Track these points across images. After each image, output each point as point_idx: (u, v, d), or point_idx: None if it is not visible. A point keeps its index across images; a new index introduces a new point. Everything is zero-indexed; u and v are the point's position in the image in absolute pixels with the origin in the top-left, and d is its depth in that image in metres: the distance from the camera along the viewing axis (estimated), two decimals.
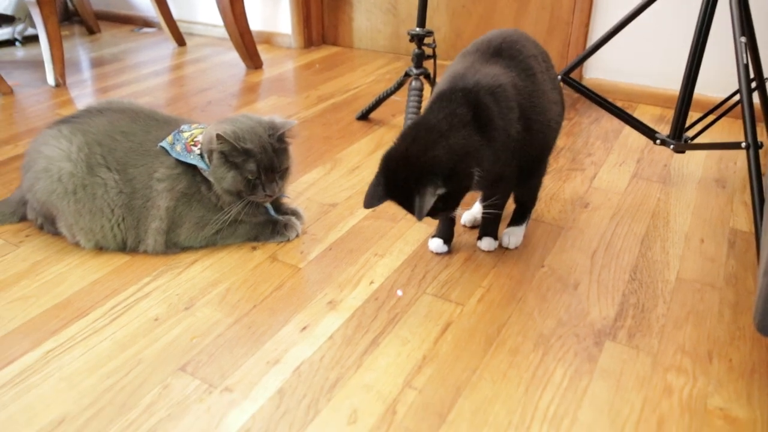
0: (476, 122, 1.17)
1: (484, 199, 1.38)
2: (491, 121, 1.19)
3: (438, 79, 1.44)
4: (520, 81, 1.26)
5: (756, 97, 1.83)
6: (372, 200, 1.20)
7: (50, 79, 2.52)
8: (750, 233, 1.52)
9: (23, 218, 1.52)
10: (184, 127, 1.42)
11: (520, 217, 1.47)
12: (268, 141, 1.35)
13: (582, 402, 1.03)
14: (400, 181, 1.16)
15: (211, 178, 1.36)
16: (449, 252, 1.43)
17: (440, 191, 1.13)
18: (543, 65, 1.35)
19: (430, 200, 1.12)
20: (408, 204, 1.16)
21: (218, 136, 1.30)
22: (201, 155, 1.36)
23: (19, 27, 3.16)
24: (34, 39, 3.10)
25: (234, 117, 1.40)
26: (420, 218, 1.12)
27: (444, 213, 1.22)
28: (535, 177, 1.42)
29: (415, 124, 1.19)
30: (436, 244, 1.43)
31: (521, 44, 1.32)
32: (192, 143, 1.37)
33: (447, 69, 1.35)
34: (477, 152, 1.17)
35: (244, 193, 1.37)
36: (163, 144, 1.37)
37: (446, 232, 1.43)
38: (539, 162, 1.38)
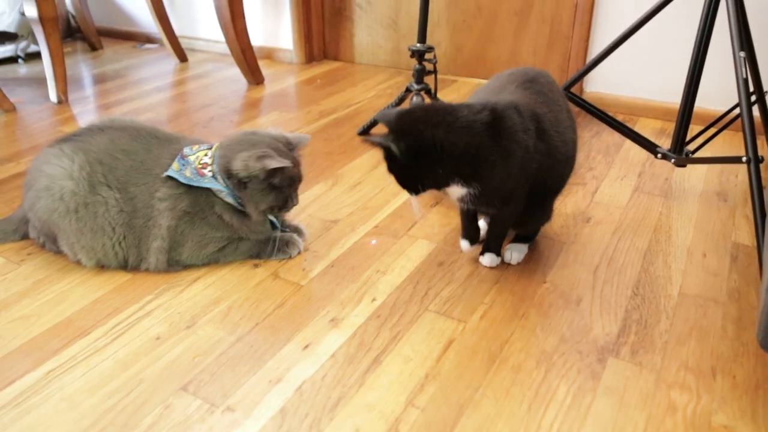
0: (493, 128, 1.19)
1: (489, 219, 1.38)
2: (512, 131, 1.20)
3: (439, 95, 1.45)
4: (546, 109, 1.30)
5: (756, 111, 1.83)
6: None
7: (53, 96, 2.54)
8: (752, 247, 1.51)
9: (25, 236, 1.52)
10: (185, 150, 1.41)
11: (524, 237, 1.48)
12: (290, 154, 1.38)
13: (585, 420, 1.02)
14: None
15: (231, 200, 1.37)
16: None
17: (395, 148, 1.17)
18: (566, 105, 1.39)
19: (383, 144, 1.17)
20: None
21: (274, 170, 1.32)
22: (214, 176, 1.36)
23: (22, 44, 3.19)
24: (36, 56, 3.12)
25: (244, 136, 1.40)
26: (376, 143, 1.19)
27: (420, 184, 1.24)
28: (541, 214, 1.43)
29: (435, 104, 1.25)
30: (465, 245, 1.43)
31: (551, 81, 1.39)
32: (200, 166, 1.36)
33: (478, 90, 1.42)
34: (477, 150, 1.19)
35: (277, 209, 1.39)
36: (170, 173, 1.36)
37: (469, 233, 1.43)
38: (548, 196, 1.38)
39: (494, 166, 1.20)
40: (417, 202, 1.49)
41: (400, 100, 2.09)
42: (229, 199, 1.37)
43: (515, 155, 1.21)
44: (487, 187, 1.22)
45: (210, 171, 1.36)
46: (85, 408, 1.04)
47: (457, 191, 1.25)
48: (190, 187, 1.37)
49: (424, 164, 1.19)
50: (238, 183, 1.34)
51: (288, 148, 1.40)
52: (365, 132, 2.21)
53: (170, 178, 1.37)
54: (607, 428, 1.01)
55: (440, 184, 1.23)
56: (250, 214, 1.38)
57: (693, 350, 1.18)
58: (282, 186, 1.36)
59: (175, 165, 1.37)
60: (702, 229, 1.60)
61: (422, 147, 1.17)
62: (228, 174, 1.35)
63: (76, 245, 1.38)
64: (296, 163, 1.39)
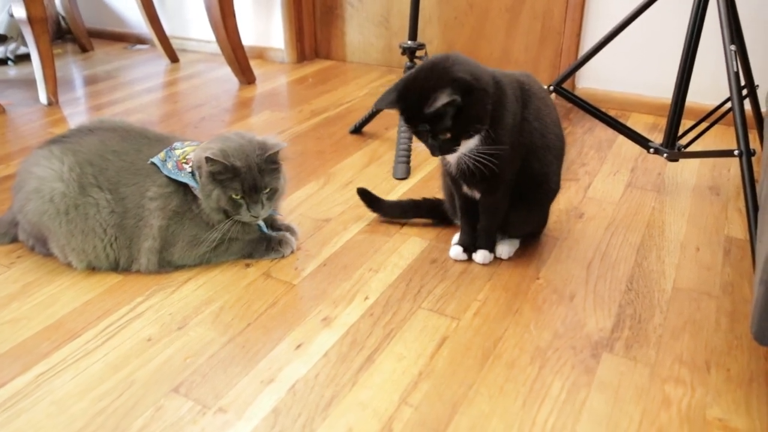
0: (498, 84, 1.23)
1: (480, 209, 1.38)
2: (507, 93, 1.25)
3: None
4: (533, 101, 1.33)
5: (747, 104, 1.83)
6: (381, 102, 1.23)
7: (42, 98, 2.52)
8: (745, 240, 1.51)
9: (15, 239, 1.51)
10: (176, 144, 1.42)
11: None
12: (255, 161, 1.34)
13: (580, 415, 1.02)
14: (418, 85, 1.18)
15: (200, 196, 1.35)
16: (469, 260, 1.43)
17: (456, 99, 1.14)
18: (554, 108, 1.41)
19: (443, 100, 1.12)
20: (417, 108, 1.17)
21: (207, 159, 1.29)
22: (192, 173, 1.35)
23: (11, 46, 3.16)
24: (26, 58, 3.10)
25: (226, 135, 1.39)
26: (428, 122, 1.16)
27: (445, 146, 1.21)
28: (528, 215, 1.42)
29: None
30: (456, 252, 1.43)
31: (538, 83, 1.39)
32: (183, 161, 1.36)
33: None
34: (493, 104, 1.22)
35: (229, 212, 1.36)
36: (155, 160, 1.37)
37: (467, 240, 1.43)
38: (536, 190, 1.38)
39: (500, 112, 1.23)
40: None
41: None
42: (199, 195, 1.36)
43: (509, 113, 1.25)
44: (495, 136, 1.23)
45: (190, 167, 1.35)
46: (75, 411, 1.03)
47: (469, 144, 1.23)
48: (179, 186, 1.36)
49: (471, 107, 1.18)
50: (199, 177, 1.35)
51: (257, 153, 1.34)
52: (357, 130, 2.20)
53: (157, 171, 1.36)
54: (602, 423, 1.00)
55: (476, 130, 1.21)
56: (203, 208, 1.36)
57: (687, 344, 1.18)
58: (226, 185, 1.32)
59: (162, 155, 1.38)
60: (695, 223, 1.60)
61: (468, 87, 1.17)
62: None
63: (66, 247, 1.37)
64: (258, 170, 1.34)
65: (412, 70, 1.23)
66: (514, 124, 1.27)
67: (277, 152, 1.37)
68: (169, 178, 1.36)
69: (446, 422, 1.00)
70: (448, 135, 1.20)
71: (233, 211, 1.36)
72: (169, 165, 1.36)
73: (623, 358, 1.14)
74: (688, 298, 1.31)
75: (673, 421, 1.01)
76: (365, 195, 1.59)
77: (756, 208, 1.39)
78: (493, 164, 1.26)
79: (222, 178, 1.32)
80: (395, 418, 1.01)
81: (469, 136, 1.22)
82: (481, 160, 1.24)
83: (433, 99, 1.14)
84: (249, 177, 1.33)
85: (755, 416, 1.02)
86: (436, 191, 1.75)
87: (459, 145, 1.22)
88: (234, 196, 1.33)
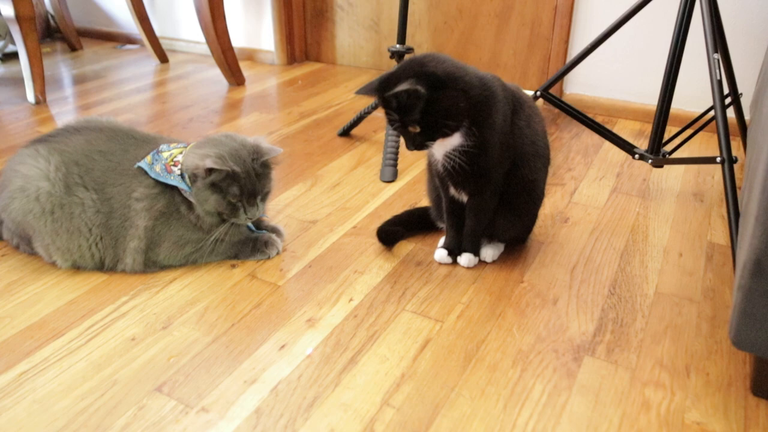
0: (485, 84, 1.25)
1: (467, 211, 1.39)
2: (497, 93, 1.26)
3: None
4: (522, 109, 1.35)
5: (731, 112, 1.86)
6: (362, 89, 1.26)
7: (30, 97, 2.51)
8: (727, 246, 1.53)
9: None
10: (162, 146, 1.41)
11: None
12: (251, 165, 1.34)
13: (560, 418, 1.03)
14: (394, 75, 1.21)
15: (192, 200, 1.35)
16: (454, 263, 1.44)
17: (418, 90, 1.16)
18: (540, 116, 1.43)
19: (403, 87, 1.16)
20: (387, 102, 1.20)
21: (210, 170, 1.30)
22: (181, 175, 1.35)
23: None
24: (14, 56, 3.09)
25: (217, 138, 1.39)
26: (397, 112, 1.19)
27: (417, 140, 1.24)
28: (515, 219, 1.43)
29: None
30: (441, 255, 1.44)
31: (528, 96, 1.42)
32: (172, 163, 1.36)
33: None
34: (477, 104, 1.23)
35: (225, 215, 1.36)
36: (141, 164, 1.37)
37: (452, 243, 1.44)
38: (522, 194, 1.39)
39: (488, 113, 1.24)
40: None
41: None
42: (192, 199, 1.36)
43: (499, 114, 1.26)
44: (481, 136, 1.24)
45: (179, 169, 1.35)
46: (58, 410, 1.03)
47: (453, 142, 1.25)
48: (166, 187, 1.36)
49: (443, 103, 1.19)
50: (192, 182, 1.34)
51: (253, 157, 1.35)
52: (346, 133, 2.21)
53: (144, 173, 1.36)
54: (582, 426, 1.01)
55: (453, 127, 1.23)
56: (198, 213, 1.37)
57: (668, 348, 1.19)
58: (224, 190, 1.32)
59: (148, 158, 1.37)
60: (678, 229, 1.62)
61: (441, 82, 1.19)
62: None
63: (51, 246, 1.37)
64: (255, 175, 1.35)
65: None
66: (503, 125, 1.28)
67: (274, 157, 1.38)
68: (156, 179, 1.36)
69: (428, 424, 1.01)
70: (417, 129, 1.21)
71: (230, 214, 1.36)
72: (157, 168, 1.36)
73: (604, 362, 1.15)
74: (670, 303, 1.33)
75: (653, 425, 1.02)
76: (386, 236, 1.52)
77: (737, 215, 1.41)
78: (480, 164, 1.27)
79: (222, 184, 1.32)
80: (377, 420, 1.02)
81: (444, 134, 1.23)
82: (465, 159, 1.25)
83: (395, 85, 1.17)
84: (248, 182, 1.33)
85: (733, 420, 1.03)
86: (422, 194, 1.76)
87: (432, 140, 1.24)
88: (232, 200, 1.34)
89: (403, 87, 1.16)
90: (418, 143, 1.25)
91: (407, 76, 1.19)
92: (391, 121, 1.24)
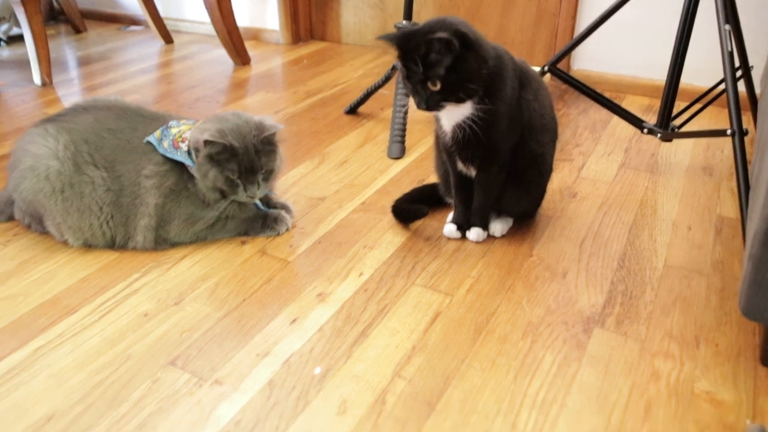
0: (497, 65, 1.24)
1: (475, 186, 1.39)
2: (506, 66, 1.26)
3: None
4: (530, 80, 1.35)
5: (741, 86, 1.84)
6: (385, 36, 1.24)
7: (36, 79, 2.51)
8: (736, 220, 1.53)
9: (11, 218, 1.51)
10: (172, 123, 1.42)
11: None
12: (251, 142, 1.34)
13: (571, 388, 1.04)
14: (422, 29, 1.19)
15: (196, 175, 1.36)
16: (463, 238, 1.45)
17: (453, 42, 1.15)
18: (547, 91, 1.43)
19: (441, 35, 1.14)
20: (414, 45, 1.18)
21: (206, 142, 1.30)
22: (188, 152, 1.35)
23: (4, 27, 3.14)
24: (19, 39, 3.08)
25: (223, 115, 1.39)
26: (423, 64, 1.17)
27: (432, 100, 1.21)
28: (523, 193, 1.43)
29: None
30: (450, 230, 1.45)
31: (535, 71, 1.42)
32: (180, 139, 1.37)
33: None
34: (491, 74, 1.23)
35: (226, 192, 1.37)
36: (150, 139, 1.37)
37: (461, 218, 1.44)
38: (530, 168, 1.39)
39: (498, 84, 1.24)
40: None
41: (387, 78, 2.09)
42: (195, 174, 1.36)
43: (508, 86, 1.26)
44: (491, 107, 1.24)
45: (186, 145, 1.35)
46: (73, 384, 1.04)
47: (464, 111, 1.25)
48: (175, 164, 1.37)
49: (466, 64, 1.19)
50: (195, 156, 1.35)
51: (254, 134, 1.34)
52: (352, 111, 2.20)
53: (153, 150, 1.37)
54: (592, 396, 1.02)
55: (470, 92, 1.22)
56: (200, 188, 1.37)
57: (677, 320, 1.20)
58: (223, 165, 1.32)
59: (158, 133, 1.38)
60: (687, 203, 1.62)
61: (469, 42, 1.18)
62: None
63: (62, 225, 1.38)
64: (254, 151, 1.34)
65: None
66: (512, 98, 1.28)
67: (274, 134, 1.37)
68: (165, 157, 1.37)
69: (439, 394, 1.02)
70: (438, 86, 1.19)
71: (230, 191, 1.36)
72: (165, 144, 1.37)
73: (614, 334, 1.16)
74: (679, 275, 1.33)
75: (662, 394, 1.03)
76: (402, 214, 1.51)
77: (747, 187, 1.41)
78: (489, 137, 1.27)
79: (219, 158, 1.32)
80: (389, 391, 1.03)
81: (460, 98, 1.22)
82: (474, 130, 1.25)
83: (432, 33, 1.15)
84: (246, 158, 1.33)
85: (742, 389, 1.04)
86: (429, 171, 1.76)
87: (448, 101, 1.22)
88: (231, 176, 1.34)
89: (442, 35, 1.14)
90: (433, 102, 1.22)
91: (442, 29, 1.17)
92: (409, 75, 1.21)
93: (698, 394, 1.03)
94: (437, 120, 1.35)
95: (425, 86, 1.20)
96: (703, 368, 1.08)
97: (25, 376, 1.06)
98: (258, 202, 1.46)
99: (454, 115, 1.27)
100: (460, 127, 1.27)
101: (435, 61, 1.17)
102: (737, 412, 1.00)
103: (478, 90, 1.22)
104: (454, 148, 1.34)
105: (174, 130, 1.38)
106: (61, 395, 1.02)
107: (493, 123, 1.26)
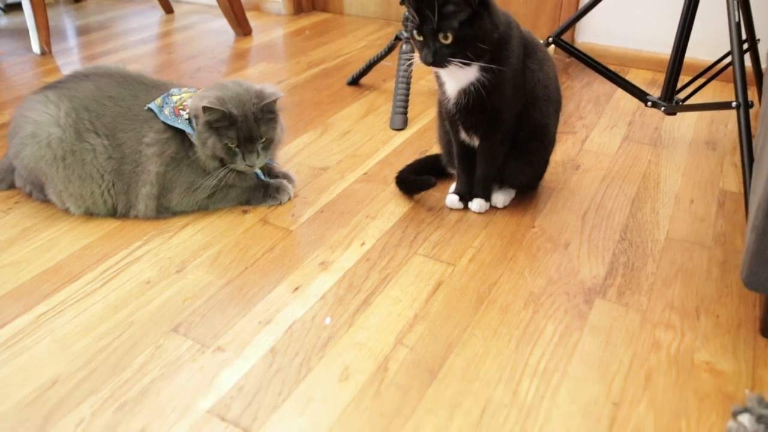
0: (507, 31, 1.24)
1: (478, 156, 1.39)
2: (512, 33, 1.26)
3: None
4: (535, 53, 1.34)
5: (747, 60, 1.82)
6: None
7: (35, 48, 2.48)
8: (739, 193, 1.52)
9: (12, 186, 1.50)
10: (173, 90, 1.41)
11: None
12: (251, 110, 1.33)
13: (572, 357, 1.04)
14: None
15: (195, 143, 1.35)
16: (465, 209, 1.45)
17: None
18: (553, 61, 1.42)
19: (459, 1, 1.14)
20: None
21: (205, 108, 1.29)
22: (189, 120, 1.35)
23: None
24: (17, 6, 3.05)
25: (224, 83, 1.38)
26: (439, 14, 1.14)
27: (440, 54, 1.19)
28: (525, 164, 1.43)
29: None
30: (452, 200, 1.45)
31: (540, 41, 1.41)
32: (180, 107, 1.36)
33: None
34: (500, 40, 1.23)
35: (225, 161, 1.36)
36: (152, 106, 1.36)
37: (463, 189, 1.44)
38: (534, 138, 1.38)
39: (503, 50, 1.23)
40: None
41: (390, 49, 2.07)
42: (195, 142, 1.36)
43: (513, 53, 1.25)
44: (495, 73, 1.23)
45: (186, 113, 1.34)
46: (77, 349, 1.05)
47: (469, 76, 1.24)
48: (176, 132, 1.36)
49: (483, 24, 1.17)
50: (196, 124, 1.35)
51: (253, 102, 1.33)
52: (355, 82, 2.18)
53: (154, 117, 1.36)
54: (593, 365, 1.03)
55: (479, 54, 1.21)
56: (199, 156, 1.37)
57: (678, 292, 1.20)
58: (221, 133, 1.32)
59: (159, 100, 1.37)
60: (690, 176, 1.61)
61: (490, 11, 1.18)
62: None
63: (64, 193, 1.37)
64: (254, 120, 1.33)
65: None
66: (517, 66, 1.27)
67: (274, 101, 1.36)
68: (166, 124, 1.36)
69: (441, 362, 1.03)
70: (450, 39, 1.16)
71: (229, 159, 1.36)
72: (166, 111, 1.36)
73: (615, 304, 1.16)
74: (681, 248, 1.33)
75: (662, 364, 1.03)
76: (409, 184, 1.51)
77: (751, 160, 1.40)
78: (493, 104, 1.26)
79: (218, 126, 1.32)
80: (391, 358, 1.03)
81: (467, 56, 1.19)
82: (478, 96, 1.25)
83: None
84: (245, 126, 1.32)
85: (741, 360, 1.04)
86: (432, 142, 1.75)
87: (456, 57, 1.19)
88: (230, 144, 1.33)
89: None
90: (440, 57, 1.18)
91: None
92: (422, 24, 1.17)
93: (698, 364, 1.04)
94: (441, 86, 1.33)
95: (436, 37, 1.17)
96: (704, 339, 1.09)
97: (29, 341, 1.06)
98: (258, 171, 1.45)
99: (459, 79, 1.25)
100: (464, 92, 1.26)
101: (451, 13, 1.14)
102: (736, 382, 1.00)
103: (486, 53, 1.21)
104: (457, 116, 1.32)
105: (175, 98, 1.37)
106: (65, 360, 1.03)
107: (498, 89, 1.25)
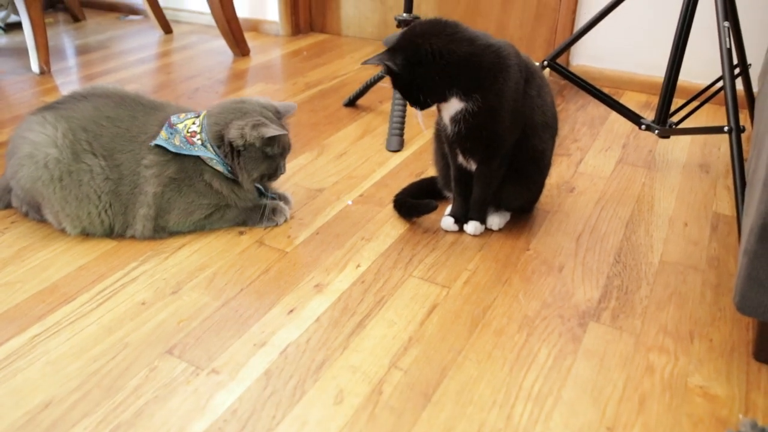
0: (495, 50, 1.26)
1: (474, 179, 1.40)
2: (509, 60, 1.27)
3: None
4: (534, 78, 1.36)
5: (739, 84, 1.84)
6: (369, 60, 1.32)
7: (34, 67, 2.50)
8: (732, 217, 1.54)
9: (8, 205, 1.51)
10: (173, 119, 1.40)
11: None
12: (281, 122, 1.41)
13: (566, 381, 1.04)
14: (393, 45, 1.28)
15: (224, 168, 1.38)
16: (460, 231, 1.46)
17: (392, 64, 1.24)
18: (548, 86, 1.44)
19: (381, 61, 1.26)
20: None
21: (271, 139, 1.35)
22: (204, 144, 1.36)
23: (2, 14, 3.13)
24: (17, 26, 3.07)
25: (233, 104, 1.41)
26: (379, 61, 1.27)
27: (414, 97, 1.29)
28: (522, 188, 1.44)
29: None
30: (447, 223, 1.46)
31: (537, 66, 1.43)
32: (189, 134, 1.36)
33: None
34: (485, 71, 1.25)
35: (266, 178, 1.43)
36: (159, 142, 1.36)
37: (459, 211, 1.45)
38: (531, 163, 1.39)
39: (495, 79, 1.25)
40: (422, 117, 1.59)
41: None
42: (220, 167, 1.37)
43: (510, 81, 1.26)
44: (485, 101, 1.25)
45: (199, 139, 1.35)
46: (70, 371, 1.05)
47: (455, 106, 1.27)
48: (176, 154, 1.37)
49: (423, 75, 1.24)
50: (231, 151, 1.36)
51: (277, 116, 1.41)
52: (351, 103, 2.20)
53: (158, 146, 1.36)
54: (587, 389, 1.03)
55: (440, 96, 1.27)
56: (241, 182, 1.40)
57: (672, 315, 1.20)
58: (275, 155, 1.38)
59: (163, 134, 1.37)
60: (684, 199, 1.62)
61: (419, 58, 1.23)
62: (220, 142, 1.36)
63: (60, 213, 1.38)
64: (286, 132, 1.41)
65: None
66: (515, 92, 1.28)
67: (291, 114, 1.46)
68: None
69: (435, 386, 1.03)
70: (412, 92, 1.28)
71: (273, 175, 1.43)
72: (177, 141, 1.36)
73: (609, 328, 1.17)
74: (675, 271, 1.34)
75: (656, 388, 1.04)
76: (409, 208, 1.52)
77: (744, 184, 1.41)
78: (489, 129, 1.28)
79: (272, 152, 1.38)
80: (385, 381, 1.03)
81: (423, 102, 1.29)
82: (470, 123, 1.28)
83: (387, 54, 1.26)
84: (285, 137, 1.40)
85: (735, 384, 1.05)
86: (428, 164, 1.77)
87: (426, 101, 1.29)
88: (276, 160, 1.41)
89: (374, 60, 1.27)
90: (412, 102, 1.31)
91: (394, 48, 1.26)
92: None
93: (692, 388, 1.04)
94: (439, 112, 1.36)
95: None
96: (697, 363, 1.09)
97: (23, 363, 1.06)
98: (260, 186, 1.48)
99: (447, 108, 1.30)
100: (455, 120, 1.29)
101: (392, 77, 1.29)
102: (730, 406, 1.01)
103: (436, 91, 1.26)
104: (454, 141, 1.34)
105: (180, 126, 1.38)
106: (59, 382, 1.02)
107: (491, 117, 1.27)
